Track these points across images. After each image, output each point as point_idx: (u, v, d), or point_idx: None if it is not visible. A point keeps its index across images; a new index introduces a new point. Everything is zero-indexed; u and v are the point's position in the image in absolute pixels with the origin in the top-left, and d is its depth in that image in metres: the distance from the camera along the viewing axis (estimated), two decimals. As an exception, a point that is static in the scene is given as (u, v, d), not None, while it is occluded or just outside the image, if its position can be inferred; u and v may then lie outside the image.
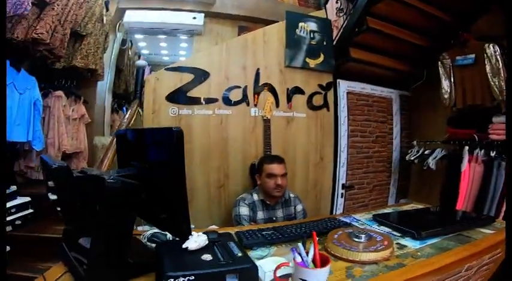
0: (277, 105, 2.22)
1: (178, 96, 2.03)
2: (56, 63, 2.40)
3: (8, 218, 1.87)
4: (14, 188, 2.06)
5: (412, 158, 2.64)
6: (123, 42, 3.44)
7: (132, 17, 3.11)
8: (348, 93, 2.62)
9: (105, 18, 2.82)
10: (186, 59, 2.15)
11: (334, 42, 2.49)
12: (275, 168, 1.72)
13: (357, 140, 2.66)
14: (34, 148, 2.27)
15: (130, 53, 3.74)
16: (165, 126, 2.10)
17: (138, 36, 3.93)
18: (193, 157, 2.06)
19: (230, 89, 2.13)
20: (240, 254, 0.73)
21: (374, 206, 2.82)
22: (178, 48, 4.28)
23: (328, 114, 2.41)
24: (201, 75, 2.06)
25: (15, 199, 2.04)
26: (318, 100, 2.37)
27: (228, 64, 2.13)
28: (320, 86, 2.38)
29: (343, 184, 2.59)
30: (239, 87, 2.15)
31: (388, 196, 2.94)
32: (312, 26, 2.38)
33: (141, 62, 2.02)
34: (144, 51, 4.56)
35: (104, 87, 3.14)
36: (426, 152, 2.54)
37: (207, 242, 0.73)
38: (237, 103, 2.14)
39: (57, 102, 2.49)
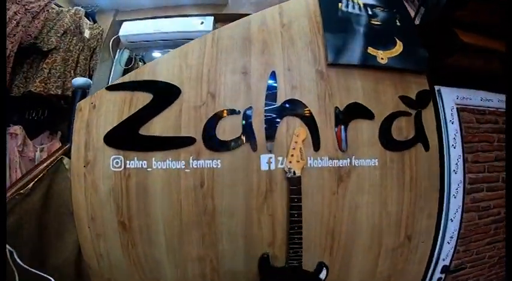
0: (317, 145, 1.10)
1: (124, 136, 1.10)
2: (14, 89, 1.81)
3: None
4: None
5: None
6: (129, 60, 2.81)
7: (129, 29, 2.43)
8: (459, 109, 1.37)
9: (87, 31, 2.16)
10: (140, 67, 1.23)
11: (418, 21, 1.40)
12: None
13: (481, 197, 1.39)
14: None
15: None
16: (105, 190, 1.18)
17: (156, 54, 3.43)
18: (154, 240, 1.12)
19: (217, 117, 1.10)
20: None
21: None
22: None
23: (426, 157, 1.18)
24: (164, 94, 1.10)
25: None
26: (402, 128, 1.18)
27: (213, 69, 1.12)
28: (405, 99, 1.19)
29: (444, 267, 1.38)
30: (236, 112, 1.10)
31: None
32: (365, -3, 1.29)
33: (77, 81, 1.14)
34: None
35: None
36: None
37: None
38: (232, 145, 1.09)
39: (11, 141, 1.84)
